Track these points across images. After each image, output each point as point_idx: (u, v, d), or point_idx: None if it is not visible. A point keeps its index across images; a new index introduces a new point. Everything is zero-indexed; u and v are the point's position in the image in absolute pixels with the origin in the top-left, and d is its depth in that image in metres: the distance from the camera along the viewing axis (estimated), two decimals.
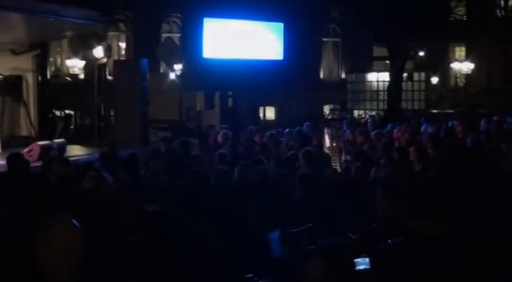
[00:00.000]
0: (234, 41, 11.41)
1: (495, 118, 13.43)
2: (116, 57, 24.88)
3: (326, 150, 11.38)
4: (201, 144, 12.24)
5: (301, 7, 12.44)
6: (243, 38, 11.44)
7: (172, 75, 21.18)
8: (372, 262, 3.81)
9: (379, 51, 32.58)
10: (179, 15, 25.22)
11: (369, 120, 18.47)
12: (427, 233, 4.56)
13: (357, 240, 4.54)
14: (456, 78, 36.27)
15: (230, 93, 15.27)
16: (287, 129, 12.81)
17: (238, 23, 11.40)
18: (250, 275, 4.35)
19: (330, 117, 28.00)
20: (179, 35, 25.83)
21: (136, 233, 5.23)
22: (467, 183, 6.15)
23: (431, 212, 4.81)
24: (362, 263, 3.71)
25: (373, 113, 28.53)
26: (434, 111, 29.65)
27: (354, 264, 3.22)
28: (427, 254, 4.35)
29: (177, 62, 20.46)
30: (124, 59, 26.91)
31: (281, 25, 11.56)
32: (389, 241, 4.38)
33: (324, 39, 32.37)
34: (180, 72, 20.85)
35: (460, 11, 32.87)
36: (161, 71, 24.64)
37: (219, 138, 12.00)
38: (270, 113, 31.38)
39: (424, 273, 4.28)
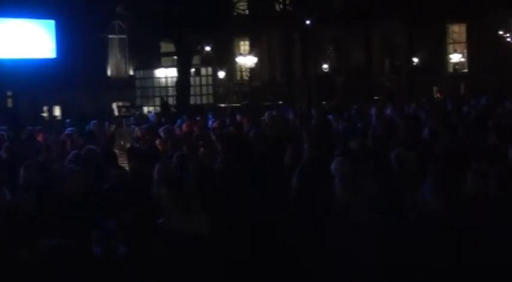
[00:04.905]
0: (6, 40, 10.87)
1: (274, 112, 13.87)
2: None
3: (116, 149, 11.10)
4: None
5: (77, 4, 12.12)
6: (16, 37, 10.93)
7: None
8: None
9: (167, 47, 32.68)
10: None
11: (150, 116, 18.43)
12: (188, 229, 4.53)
13: None
14: (241, 72, 37.42)
15: (10, 93, 14.47)
16: (70, 128, 12.31)
17: (9, 22, 10.87)
18: None
19: (117, 114, 27.57)
20: None
21: None
22: (243, 178, 6.28)
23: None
24: None
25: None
26: (223, 105, 30.37)
27: None
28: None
29: None
30: None
31: (52, 22, 11.18)
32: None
33: (110, 36, 31.82)
34: None
35: (243, 6, 33.79)
36: None
37: None
38: (57, 112, 30.25)
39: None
